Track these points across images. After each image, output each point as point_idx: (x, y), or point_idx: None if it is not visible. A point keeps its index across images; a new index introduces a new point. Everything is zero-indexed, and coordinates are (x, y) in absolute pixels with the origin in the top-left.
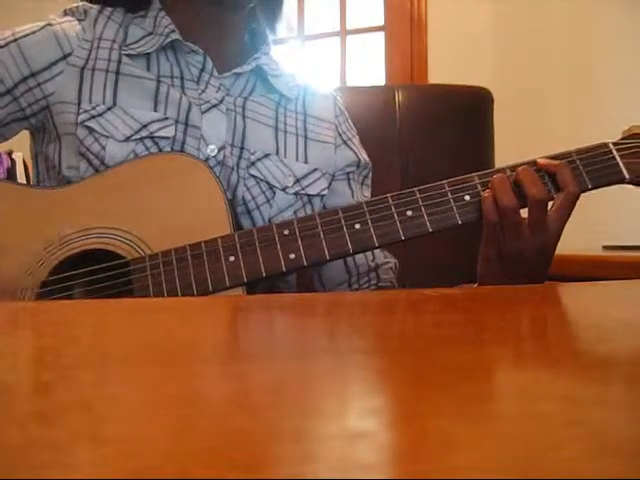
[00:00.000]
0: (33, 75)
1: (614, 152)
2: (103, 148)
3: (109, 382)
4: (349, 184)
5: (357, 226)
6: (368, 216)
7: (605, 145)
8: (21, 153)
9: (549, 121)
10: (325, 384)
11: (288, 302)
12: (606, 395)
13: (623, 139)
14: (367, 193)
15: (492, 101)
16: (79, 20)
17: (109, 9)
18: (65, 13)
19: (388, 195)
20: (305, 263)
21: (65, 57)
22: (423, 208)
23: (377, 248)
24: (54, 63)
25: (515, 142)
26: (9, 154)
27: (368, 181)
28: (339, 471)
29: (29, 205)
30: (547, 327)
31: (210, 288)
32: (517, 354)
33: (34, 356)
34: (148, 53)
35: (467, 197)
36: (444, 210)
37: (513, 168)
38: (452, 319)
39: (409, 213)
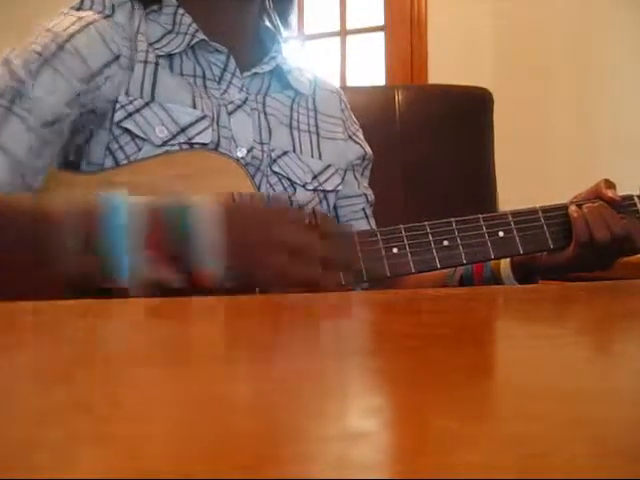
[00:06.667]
0: (92, 77)
1: (639, 205)
2: (139, 150)
3: (109, 382)
4: (354, 175)
5: (395, 250)
6: (406, 241)
7: (631, 197)
8: None
9: (549, 121)
10: (325, 384)
11: (289, 303)
12: (607, 394)
13: None
14: (365, 183)
15: (492, 101)
16: (107, 16)
17: (137, 3)
18: (82, 3)
19: (426, 223)
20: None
21: (117, 58)
22: (459, 239)
23: (413, 274)
24: (107, 65)
25: (515, 142)
26: None
27: (367, 172)
28: (339, 471)
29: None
30: (547, 326)
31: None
32: (517, 353)
33: (34, 356)
34: (172, 54)
35: (501, 233)
36: (479, 244)
37: (545, 210)
38: (453, 319)
39: (445, 243)
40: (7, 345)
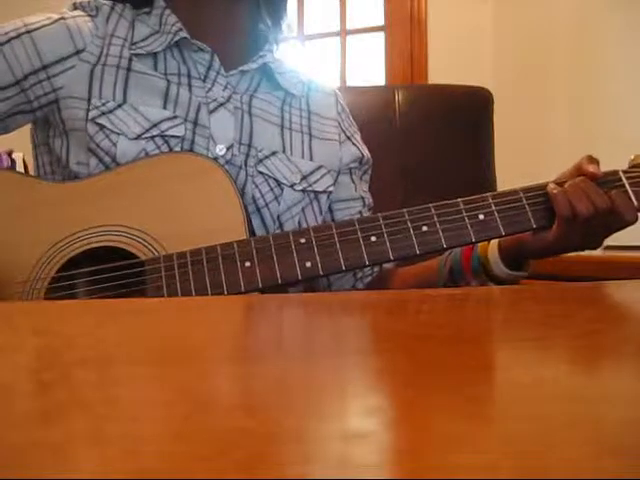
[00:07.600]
0: (44, 68)
1: (624, 180)
2: (114, 145)
3: (109, 382)
4: (352, 178)
5: (373, 238)
6: (384, 229)
7: (616, 172)
8: (21, 153)
9: (549, 121)
10: (326, 384)
11: (291, 302)
12: (607, 394)
13: (631, 167)
14: (365, 187)
15: (492, 101)
16: (91, 16)
17: (120, 6)
18: (75, 7)
19: (404, 210)
20: (321, 272)
21: (78, 53)
22: (438, 224)
23: (392, 261)
24: (66, 58)
25: (515, 142)
26: (9, 154)
27: (367, 177)
28: (339, 471)
29: (43, 198)
30: (546, 326)
31: (225, 292)
32: (517, 353)
33: (34, 356)
34: (155, 52)
35: (481, 216)
36: (459, 227)
37: (527, 190)
38: (452, 319)
39: (424, 228)
40: (7, 345)
